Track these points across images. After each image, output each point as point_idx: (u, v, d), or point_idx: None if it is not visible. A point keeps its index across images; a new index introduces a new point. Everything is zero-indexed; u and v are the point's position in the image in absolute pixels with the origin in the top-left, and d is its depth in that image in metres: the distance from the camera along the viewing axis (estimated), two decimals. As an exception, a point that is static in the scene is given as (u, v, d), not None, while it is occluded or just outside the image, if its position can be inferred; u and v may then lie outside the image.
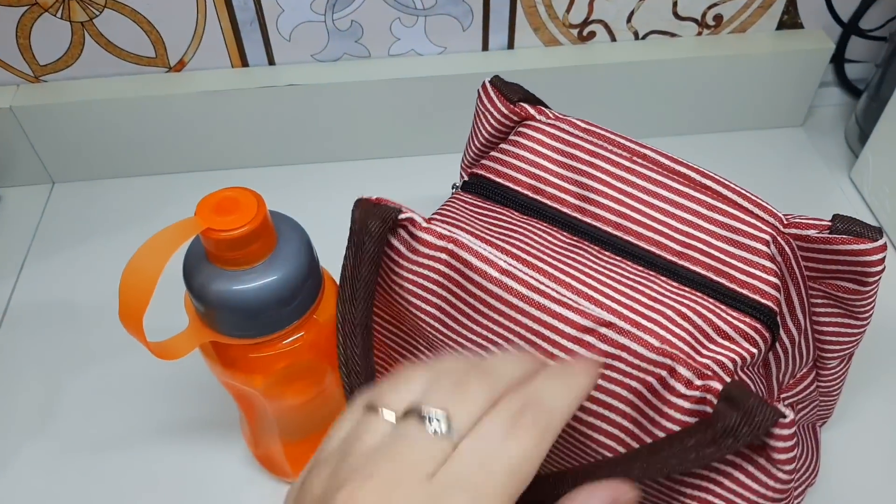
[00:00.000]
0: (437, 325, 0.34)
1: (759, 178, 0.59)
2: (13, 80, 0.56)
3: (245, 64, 0.57)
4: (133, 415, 0.46)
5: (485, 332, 0.33)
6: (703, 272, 0.32)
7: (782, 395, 0.36)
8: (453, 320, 0.34)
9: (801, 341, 0.35)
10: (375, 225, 0.32)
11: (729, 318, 0.30)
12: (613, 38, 0.58)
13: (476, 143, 0.40)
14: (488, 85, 0.38)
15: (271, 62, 0.57)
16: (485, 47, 0.57)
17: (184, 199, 0.58)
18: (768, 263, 0.31)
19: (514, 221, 0.34)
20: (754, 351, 0.30)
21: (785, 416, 0.27)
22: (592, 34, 0.57)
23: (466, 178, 0.38)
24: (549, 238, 0.33)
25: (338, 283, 0.34)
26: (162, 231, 0.29)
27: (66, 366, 0.49)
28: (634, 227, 0.33)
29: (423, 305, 0.34)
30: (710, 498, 0.31)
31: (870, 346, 0.48)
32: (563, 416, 0.25)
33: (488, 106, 0.38)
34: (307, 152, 0.60)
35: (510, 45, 0.57)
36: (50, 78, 0.56)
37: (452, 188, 0.39)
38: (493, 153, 0.37)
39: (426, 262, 0.33)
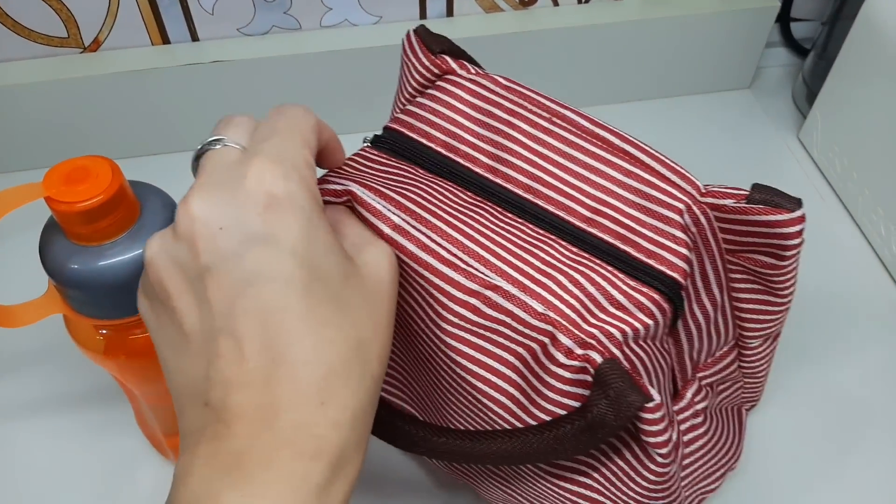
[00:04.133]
0: None
1: (707, 142, 0.58)
2: (-90, 66, 0.51)
3: (166, 41, 0.53)
4: (56, 423, 0.43)
5: None
6: (610, 240, 0.30)
7: (699, 374, 0.35)
8: None
9: (717, 317, 0.34)
10: None
11: (625, 288, 0.29)
12: (556, 3, 0.56)
13: (402, 97, 0.38)
14: (412, 34, 0.36)
15: (194, 38, 0.53)
16: (422, 15, 0.55)
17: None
18: (679, 234, 0.30)
19: (417, 178, 0.33)
20: (649, 322, 0.29)
21: (652, 399, 0.26)
22: (534, -1, 0.55)
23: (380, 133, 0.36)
24: (453, 196, 0.32)
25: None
26: (0, 192, 0.27)
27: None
28: (545, 191, 0.32)
29: None
30: (590, 482, 0.31)
31: (797, 317, 0.47)
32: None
33: (411, 57, 0.36)
34: (239, 133, 0.57)
35: (449, 13, 0.55)
36: (-48, 63, 0.52)
37: (364, 142, 0.37)
38: (409, 107, 0.35)
39: None
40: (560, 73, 0.57)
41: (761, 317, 0.34)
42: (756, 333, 0.35)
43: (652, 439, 0.27)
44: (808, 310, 0.48)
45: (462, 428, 0.33)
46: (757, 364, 0.37)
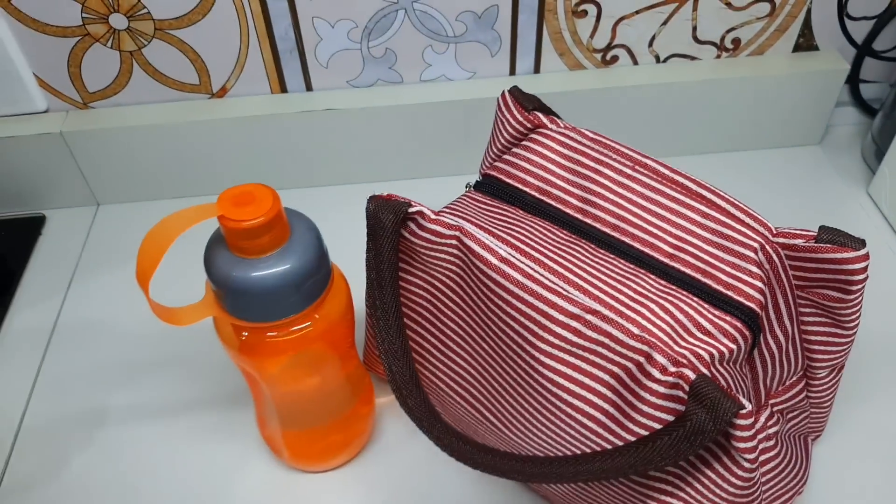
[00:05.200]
0: (454, 307, 0.37)
1: (778, 194, 0.61)
2: (63, 106, 0.58)
3: (284, 90, 0.59)
4: (174, 427, 0.48)
5: (485, 319, 0.35)
6: (692, 273, 0.34)
7: (771, 402, 0.38)
8: (468, 305, 0.36)
9: (788, 347, 0.36)
10: (388, 218, 0.35)
11: (710, 316, 0.32)
12: (635, 62, 0.60)
13: (494, 147, 0.42)
14: (507, 94, 0.41)
15: (309, 88, 0.59)
16: (512, 72, 0.60)
17: (224, 219, 0.60)
18: (755, 269, 0.34)
19: (518, 218, 0.37)
20: (733, 347, 0.32)
21: (745, 407, 0.29)
22: (615, 58, 0.60)
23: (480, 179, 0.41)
24: (550, 234, 0.36)
25: (349, 277, 0.36)
26: (181, 210, 0.32)
27: (111, 382, 0.50)
28: (631, 230, 0.36)
29: (438, 293, 0.37)
30: (679, 493, 0.33)
31: (864, 360, 0.49)
32: None
33: (506, 113, 0.41)
34: (343, 174, 0.62)
35: (536, 70, 0.60)
36: (98, 104, 0.59)
37: (466, 187, 0.41)
38: (505, 156, 0.40)
39: (437, 252, 0.36)
40: (639, 127, 0.61)
41: (829, 348, 0.37)
42: (824, 364, 0.38)
43: (742, 444, 0.30)
44: (876, 355, 0.50)
45: (546, 445, 0.36)
46: (824, 393, 0.40)
